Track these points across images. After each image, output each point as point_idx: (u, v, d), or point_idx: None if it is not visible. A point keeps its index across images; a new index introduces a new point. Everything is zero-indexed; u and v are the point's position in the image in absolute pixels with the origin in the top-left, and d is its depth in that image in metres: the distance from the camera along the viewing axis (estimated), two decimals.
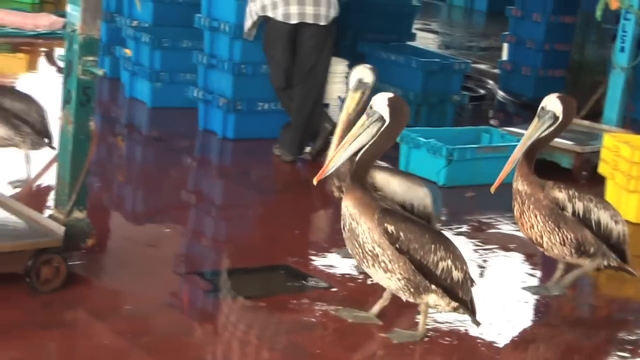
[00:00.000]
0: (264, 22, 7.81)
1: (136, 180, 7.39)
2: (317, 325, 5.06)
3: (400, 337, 4.96)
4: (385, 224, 4.70)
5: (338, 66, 8.30)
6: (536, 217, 5.51)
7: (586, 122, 9.08)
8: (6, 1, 13.56)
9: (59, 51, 10.94)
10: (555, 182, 5.55)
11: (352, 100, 5.75)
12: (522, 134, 8.12)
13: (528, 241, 5.68)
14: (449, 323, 5.20)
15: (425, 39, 14.29)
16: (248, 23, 7.90)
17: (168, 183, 7.05)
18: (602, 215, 5.54)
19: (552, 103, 5.49)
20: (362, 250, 4.77)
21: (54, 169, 5.37)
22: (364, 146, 4.80)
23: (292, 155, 7.91)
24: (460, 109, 10.13)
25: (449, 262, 4.81)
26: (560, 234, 5.49)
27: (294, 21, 7.65)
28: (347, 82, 8.34)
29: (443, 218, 7.18)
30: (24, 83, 10.00)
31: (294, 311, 5.16)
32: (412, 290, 4.80)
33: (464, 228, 6.97)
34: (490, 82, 11.97)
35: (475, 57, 13.27)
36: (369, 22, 10.33)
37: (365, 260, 4.80)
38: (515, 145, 7.79)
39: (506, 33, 11.81)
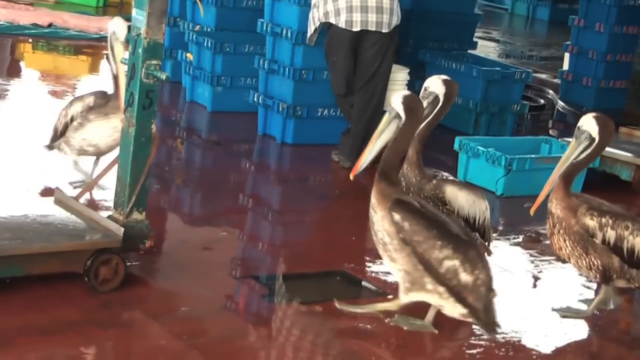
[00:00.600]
0: (325, 28, 7.84)
1: (194, 183, 7.44)
2: (372, 332, 5.06)
3: (406, 324, 5.06)
4: (393, 213, 4.79)
5: (399, 73, 8.30)
6: (565, 241, 5.43)
7: None
8: (71, 4, 13.74)
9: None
10: (590, 207, 5.39)
11: None
12: None
13: None
14: (505, 334, 5.18)
15: (486, 48, 14.24)
16: (310, 29, 7.94)
17: (226, 187, 7.09)
18: (637, 243, 5.38)
19: (587, 123, 5.38)
20: (377, 238, 4.89)
21: (114, 171, 5.43)
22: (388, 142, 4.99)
23: (351, 162, 7.91)
24: (520, 118, 10.09)
25: (457, 262, 4.80)
26: (587, 259, 5.41)
27: (356, 29, 7.68)
28: (407, 89, 8.39)
29: (500, 228, 7.19)
30: (86, 85, 10.12)
31: (349, 317, 5.16)
32: (407, 284, 4.86)
33: (521, 238, 6.94)
34: (551, 92, 11.90)
35: (536, 67, 13.20)
36: (431, 30, 10.32)
37: (380, 248, 4.93)
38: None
39: (568, 43, 11.75)
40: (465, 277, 4.80)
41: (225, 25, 9.50)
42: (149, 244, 5.38)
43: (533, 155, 7.92)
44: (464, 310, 4.87)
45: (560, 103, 11.49)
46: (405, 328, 5.05)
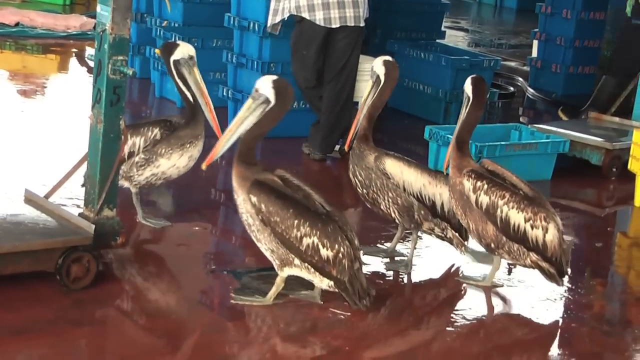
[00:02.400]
0: (295, 21, 7.80)
1: None
2: (345, 321, 5.07)
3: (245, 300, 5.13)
4: (250, 195, 4.91)
5: (367, 64, 8.26)
6: (452, 199, 5.63)
7: (616, 119, 9.05)
8: (38, 3, 13.66)
9: (90, 52, 11.02)
10: (473, 169, 5.55)
11: (365, 90, 5.95)
12: (552, 131, 8.19)
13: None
14: (482, 319, 5.21)
15: (454, 37, 14.26)
16: (275, 19, 7.89)
17: (198, 182, 7.06)
18: (513, 215, 5.43)
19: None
20: (243, 221, 4.99)
21: (83, 168, 5.41)
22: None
23: (322, 153, 7.93)
24: (490, 106, 10.11)
25: (315, 239, 4.92)
26: (466, 220, 5.59)
27: (335, 25, 7.66)
28: None
29: None
30: (55, 84, 10.08)
31: (323, 308, 5.16)
32: (277, 261, 5.00)
33: None
34: (520, 79, 11.94)
35: (505, 55, 13.24)
36: (399, 20, 10.34)
37: (247, 229, 5.02)
38: (546, 143, 7.86)
39: (536, 30, 11.78)
40: (325, 252, 4.93)
41: (193, 20, 9.49)
42: (121, 240, 5.36)
43: (503, 142, 7.94)
44: (332, 282, 5.00)
45: (530, 90, 11.53)
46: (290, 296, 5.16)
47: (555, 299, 5.66)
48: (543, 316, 5.43)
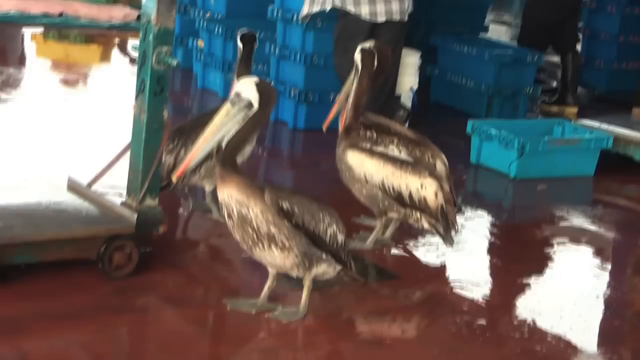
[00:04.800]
0: (340, 15, 7.76)
1: None
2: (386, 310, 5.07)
3: (285, 315, 4.86)
4: (280, 201, 4.60)
5: (410, 58, 8.28)
6: (341, 170, 5.85)
7: None
8: None
9: (133, 43, 11.07)
10: (354, 143, 5.77)
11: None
12: (595, 127, 8.13)
13: (599, 235, 5.62)
14: (519, 317, 5.18)
15: (498, 31, 14.18)
16: (312, 9, 7.85)
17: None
18: (395, 180, 5.64)
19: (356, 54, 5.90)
20: (256, 235, 4.61)
21: (127, 158, 5.43)
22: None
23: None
24: (533, 101, 10.05)
25: (334, 226, 4.79)
26: (356, 187, 5.79)
27: (381, 19, 7.63)
28: (418, 73, 8.39)
29: (514, 211, 7.19)
30: (98, 74, 10.14)
31: (370, 298, 5.16)
32: (306, 264, 4.74)
33: (535, 221, 6.92)
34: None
35: (549, 50, 13.11)
36: (442, 14, 10.31)
37: (259, 244, 4.65)
38: (589, 139, 7.80)
39: (580, 25, 11.69)
40: (341, 237, 4.83)
41: (236, 11, 9.49)
42: (163, 229, 5.36)
43: (546, 138, 7.89)
44: (339, 267, 4.86)
45: None
46: (284, 321, 4.85)
47: (597, 296, 5.63)
48: (585, 313, 5.39)
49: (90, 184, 5.52)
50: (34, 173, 6.32)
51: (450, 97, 9.70)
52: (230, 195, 4.60)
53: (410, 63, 8.27)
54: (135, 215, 5.13)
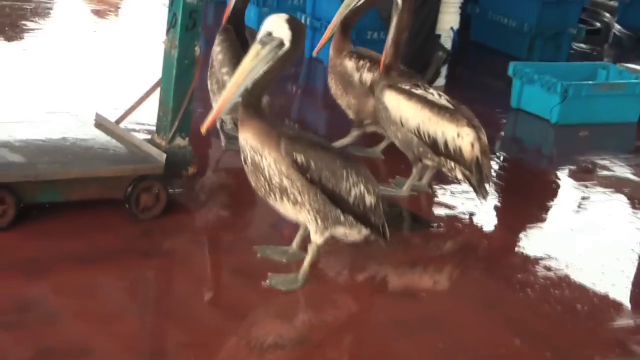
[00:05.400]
0: None
1: None
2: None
3: (280, 283, 4.50)
4: (295, 154, 4.28)
5: None
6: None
7: None
8: None
9: None
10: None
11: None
12: None
13: None
14: (558, 270, 4.99)
15: None
16: None
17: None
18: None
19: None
20: (268, 184, 4.35)
21: (156, 94, 5.24)
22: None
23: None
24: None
25: (362, 187, 4.43)
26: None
27: None
28: (459, 12, 8.12)
29: (553, 157, 6.97)
30: (129, 5, 9.92)
31: (407, 248, 4.99)
32: (319, 222, 4.39)
33: (575, 169, 6.70)
34: (607, 15, 11.50)
35: None
36: None
37: (272, 194, 4.39)
38: (635, 83, 7.54)
39: None
40: (369, 198, 4.47)
41: None
42: (192, 170, 5.20)
43: (590, 82, 7.63)
44: (367, 232, 4.53)
45: (617, 27, 11.10)
46: (283, 289, 4.50)
47: None
48: (629, 269, 5.18)
49: (118, 121, 5.35)
50: (61, 107, 6.15)
51: (491, 37, 9.44)
52: (246, 140, 4.35)
53: (451, 1, 7.97)
54: (164, 155, 4.95)
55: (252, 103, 4.33)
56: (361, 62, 5.99)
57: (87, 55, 7.69)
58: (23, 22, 8.52)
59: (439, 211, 5.63)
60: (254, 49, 4.29)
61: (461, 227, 5.49)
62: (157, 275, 4.62)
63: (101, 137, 5.20)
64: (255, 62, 4.28)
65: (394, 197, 5.58)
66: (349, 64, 6.01)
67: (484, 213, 5.65)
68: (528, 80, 7.57)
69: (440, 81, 7.94)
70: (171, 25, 5.05)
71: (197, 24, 5.03)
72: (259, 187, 4.42)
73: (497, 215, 5.69)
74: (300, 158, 4.30)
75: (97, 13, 9.22)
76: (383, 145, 6.20)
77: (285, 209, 4.45)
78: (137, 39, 8.35)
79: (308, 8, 8.39)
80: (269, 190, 4.39)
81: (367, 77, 5.91)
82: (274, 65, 4.32)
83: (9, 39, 8.10)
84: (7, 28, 8.35)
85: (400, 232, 5.22)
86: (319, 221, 4.40)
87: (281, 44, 4.28)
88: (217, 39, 5.92)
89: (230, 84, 4.31)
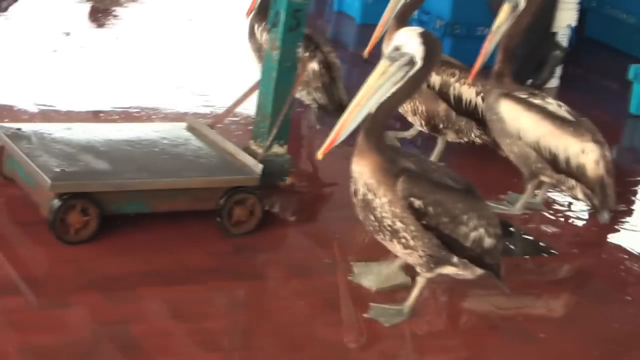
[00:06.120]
0: None
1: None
2: None
3: (382, 315, 4.10)
4: (411, 198, 3.84)
5: None
6: (490, 121, 5.30)
7: None
8: None
9: None
10: (509, 91, 5.22)
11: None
12: None
13: None
14: None
15: None
16: None
17: None
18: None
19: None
20: (379, 225, 3.93)
21: (254, 98, 4.86)
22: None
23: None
24: None
25: (482, 230, 3.96)
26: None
27: None
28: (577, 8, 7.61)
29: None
30: None
31: None
32: (432, 265, 3.96)
33: None
34: None
35: None
36: None
37: (381, 234, 3.96)
38: None
39: None
40: (488, 241, 4.00)
41: None
42: (290, 181, 4.83)
43: None
44: (481, 272, 4.07)
45: None
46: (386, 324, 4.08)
47: None
48: None
49: (212, 125, 5.00)
50: (151, 106, 5.80)
51: (608, 33, 8.89)
52: (361, 174, 3.91)
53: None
54: (260, 166, 4.57)
55: (374, 131, 3.88)
56: None
57: (180, 48, 7.33)
58: (114, 9, 8.21)
59: (553, 232, 5.17)
60: (381, 65, 3.83)
61: (578, 253, 5.05)
62: (249, 299, 4.23)
63: (193, 142, 4.84)
64: (381, 82, 3.82)
65: (505, 215, 5.13)
66: None
67: (604, 235, 5.21)
68: None
69: (554, 82, 7.47)
70: (273, 24, 4.68)
71: (302, 23, 4.68)
72: (368, 224, 4.00)
73: (618, 238, 5.22)
74: (418, 203, 3.86)
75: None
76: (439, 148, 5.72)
77: (395, 249, 4.03)
78: (235, 32, 7.95)
79: None
80: (379, 230, 3.96)
81: (436, 80, 5.47)
82: (403, 87, 3.86)
83: (101, 25, 7.81)
84: (100, 15, 8.05)
85: (512, 256, 4.76)
86: (431, 264, 3.98)
87: (411, 61, 3.82)
88: None
89: (352, 106, 3.82)
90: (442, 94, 5.48)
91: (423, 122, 5.58)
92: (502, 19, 5.19)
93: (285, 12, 4.59)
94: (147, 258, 4.29)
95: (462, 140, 5.61)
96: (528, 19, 5.21)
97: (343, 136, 3.81)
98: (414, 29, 3.88)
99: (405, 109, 5.55)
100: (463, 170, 4.41)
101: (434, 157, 5.59)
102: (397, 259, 4.27)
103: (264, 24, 5.69)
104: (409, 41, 3.82)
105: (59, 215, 4.19)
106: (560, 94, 7.33)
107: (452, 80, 5.48)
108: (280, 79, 4.69)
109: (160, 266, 4.24)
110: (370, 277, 4.32)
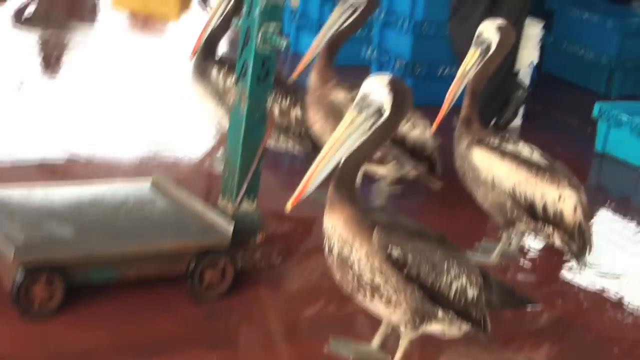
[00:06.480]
0: None
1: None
2: None
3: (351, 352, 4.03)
4: (390, 248, 3.68)
5: (531, 29, 7.38)
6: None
7: None
8: None
9: None
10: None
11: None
12: None
13: None
14: None
15: None
16: None
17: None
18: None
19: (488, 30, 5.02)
20: (357, 282, 3.72)
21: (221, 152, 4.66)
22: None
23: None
24: None
25: (464, 279, 3.80)
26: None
27: None
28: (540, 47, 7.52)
29: None
30: (175, 26, 9.42)
31: None
32: (417, 321, 3.78)
33: None
34: None
35: None
36: None
37: (361, 292, 3.76)
38: None
39: None
40: (471, 291, 3.84)
41: None
42: (261, 237, 4.62)
43: None
44: (467, 327, 3.90)
45: None
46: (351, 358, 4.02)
47: None
48: None
49: (178, 181, 4.77)
50: (115, 164, 5.55)
51: (566, 68, 8.84)
52: (334, 228, 3.71)
53: (532, 35, 7.37)
54: (232, 226, 4.34)
55: (344, 183, 3.70)
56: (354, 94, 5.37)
57: (128, 94, 7.06)
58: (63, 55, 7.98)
59: (530, 281, 5.03)
60: (349, 115, 3.67)
61: (558, 301, 4.91)
62: None
63: (159, 202, 4.60)
64: (349, 132, 3.65)
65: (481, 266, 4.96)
66: (340, 96, 5.32)
67: (582, 282, 5.08)
68: (615, 123, 6.96)
69: (517, 121, 7.36)
70: (241, 74, 4.48)
71: (270, 73, 4.48)
72: (346, 283, 3.79)
73: (594, 283, 5.08)
74: (396, 252, 3.68)
75: (144, 39, 8.68)
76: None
77: (377, 308, 3.81)
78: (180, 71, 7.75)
79: (375, 40, 7.84)
80: (358, 288, 3.75)
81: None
82: (371, 137, 3.68)
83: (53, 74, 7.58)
84: (50, 64, 7.80)
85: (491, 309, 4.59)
86: (417, 320, 3.78)
87: (379, 110, 3.66)
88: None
89: (319, 157, 3.66)
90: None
91: None
92: (470, 63, 5.04)
93: (253, 62, 4.40)
94: (117, 329, 4.03)
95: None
96: (498, 62, 5.08)
97: (311, 189, 3.64)
98: (382, 77, 3.70)
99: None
100: (430, 218, 4.24)
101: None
102: (376, 338, 4.07)
103: (225, 66, 5.52)
104: (376, 89, 3.65)
105: (23, 287, 3.93)
106: (524, 133, 7.23)
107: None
108: (249, 131, 4.49)
109: (130, 338, 3.99)
110: (349, 348, 4.11)
